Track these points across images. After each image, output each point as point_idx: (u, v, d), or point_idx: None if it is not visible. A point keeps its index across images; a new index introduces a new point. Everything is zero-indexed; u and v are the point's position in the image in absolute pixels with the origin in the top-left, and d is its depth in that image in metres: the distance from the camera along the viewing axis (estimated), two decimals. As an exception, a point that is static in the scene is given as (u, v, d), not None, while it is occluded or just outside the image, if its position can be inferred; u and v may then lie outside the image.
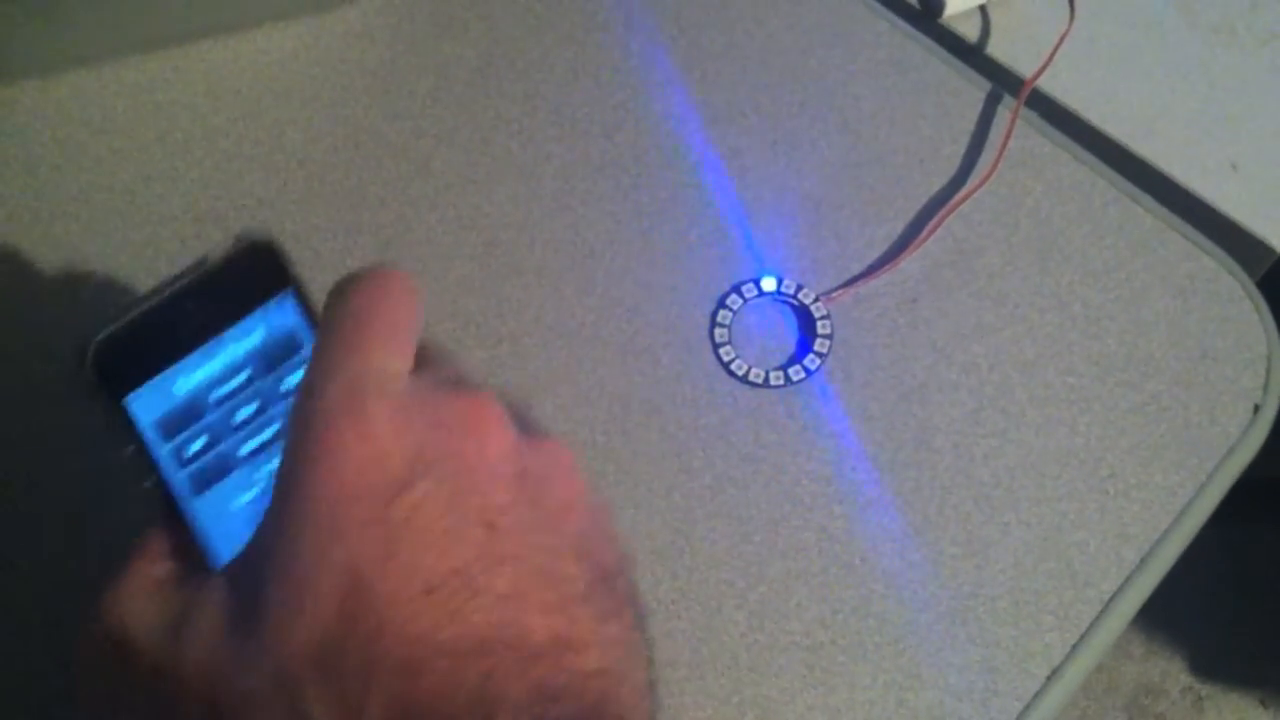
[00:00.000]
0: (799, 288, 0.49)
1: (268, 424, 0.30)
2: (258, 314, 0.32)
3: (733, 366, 0.48)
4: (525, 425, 0.28)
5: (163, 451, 0.30)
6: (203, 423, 0.30)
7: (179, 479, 0.30)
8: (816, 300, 0.49)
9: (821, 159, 0.53)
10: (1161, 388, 0.49)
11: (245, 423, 0.30)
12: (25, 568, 0.43)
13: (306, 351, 0.31)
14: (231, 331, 0.32)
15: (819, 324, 0.49)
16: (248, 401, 0.30)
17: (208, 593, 0.26)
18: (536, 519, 0.26)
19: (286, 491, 0.25)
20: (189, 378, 0.31)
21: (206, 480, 0.29)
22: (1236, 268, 0.51)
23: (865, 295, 0.50)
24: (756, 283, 0.50)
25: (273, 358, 0.31)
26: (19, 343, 0.47)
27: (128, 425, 0.31)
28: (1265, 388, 0.49)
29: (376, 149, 0.52)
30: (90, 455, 0.44)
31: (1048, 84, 0.58)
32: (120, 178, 0.51)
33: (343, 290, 0.28)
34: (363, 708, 0.23)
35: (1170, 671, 1.27)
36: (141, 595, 0.27)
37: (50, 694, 0.41)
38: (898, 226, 0.52)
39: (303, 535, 0.24)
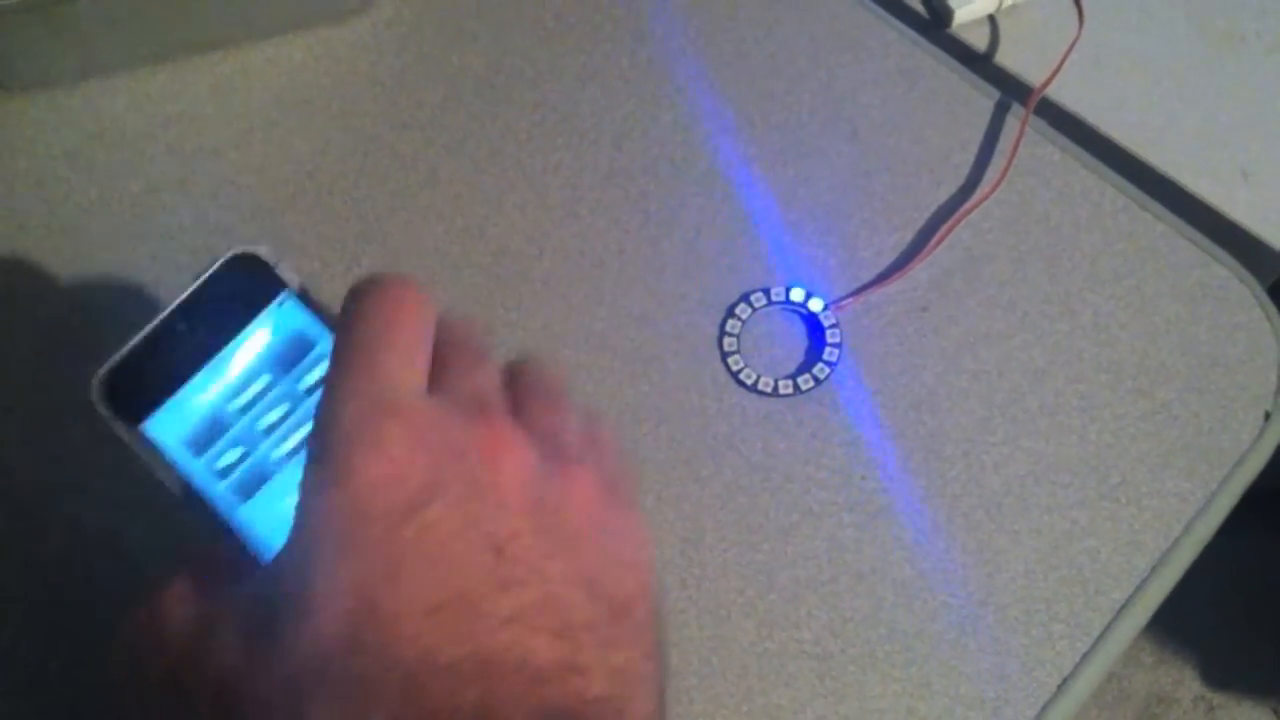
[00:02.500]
0: (808, 296, 0.49)
1: (298, 425, 0.31)
2: (260, 320, 0.32)
3: (741, 375, 0.48)
4: (554, 446, 0.28)
5: (196, 468, 0.31)
6: (231, 434, 0.31)
7: (220, 492, 0.30)
8: (826, 309, 0.49)
9: (830, 167, 0.53)
10: (1172, 395, 0.48)
11: (274, 426, 0.31)
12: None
13: (322, 348, 0.31)
14: (237, 342, 0.32)
15: (828, 332, 0.49)
16: (272, 406, 0.31)
17: (233, 604, 0.26)
18: (548, 546, 0.26)
19: (306, 510, 0.26)
20: (204, 394, 0.32)
21: (249, 488, 0.30)
22: (1247, 275, 0.51)
23: (874, 303, 0.50)
24: (765, 291, 0.50)
25: (288, 359, 0.31)
26: (29, 352, 0.48)
27: (152, 449, 0.31)
28: (1276, 394, 0.49)
29: (385, 159, 0.52)
30: (109, 471, 0.44)
31: (1057, 92, 0.58)
32: (130, 189, 0.51)
33: (356, 300, 0.28)
34: None
35: (1182, 680, 1.26)
36: (176, 603, 0.28)
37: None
38: (907, 235, 0.52)
39: (318, 554, 0.25)
